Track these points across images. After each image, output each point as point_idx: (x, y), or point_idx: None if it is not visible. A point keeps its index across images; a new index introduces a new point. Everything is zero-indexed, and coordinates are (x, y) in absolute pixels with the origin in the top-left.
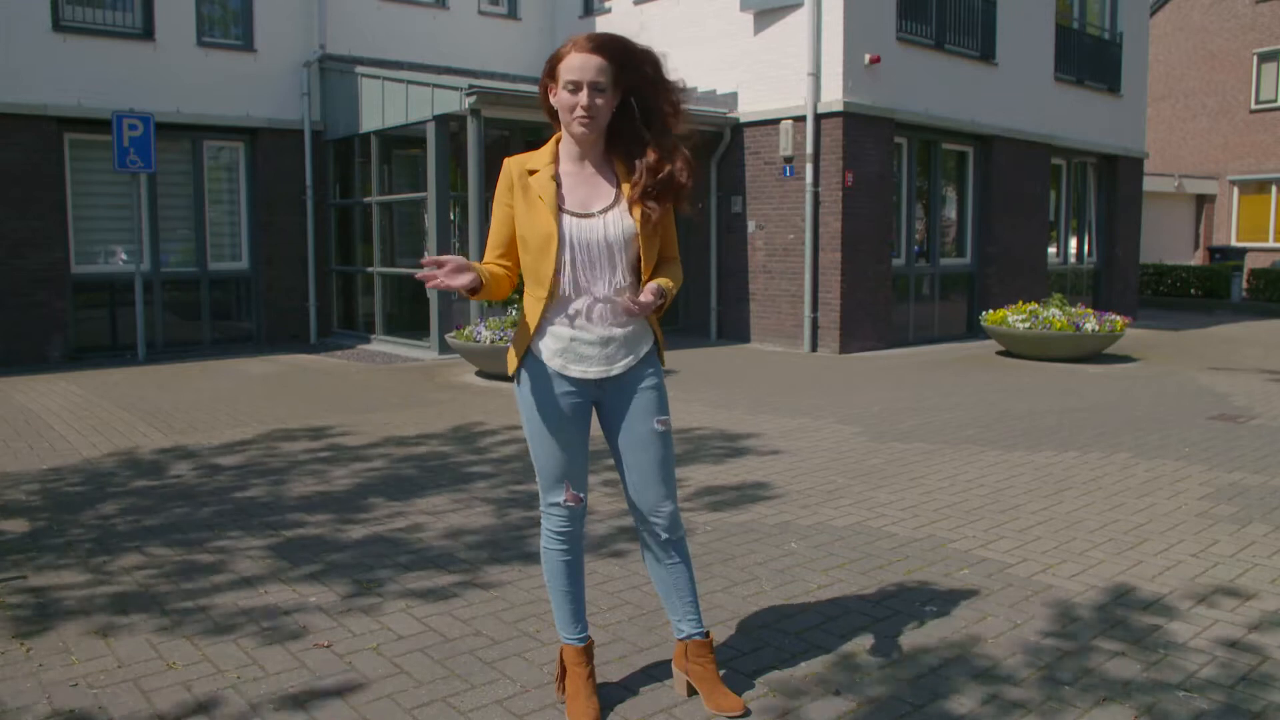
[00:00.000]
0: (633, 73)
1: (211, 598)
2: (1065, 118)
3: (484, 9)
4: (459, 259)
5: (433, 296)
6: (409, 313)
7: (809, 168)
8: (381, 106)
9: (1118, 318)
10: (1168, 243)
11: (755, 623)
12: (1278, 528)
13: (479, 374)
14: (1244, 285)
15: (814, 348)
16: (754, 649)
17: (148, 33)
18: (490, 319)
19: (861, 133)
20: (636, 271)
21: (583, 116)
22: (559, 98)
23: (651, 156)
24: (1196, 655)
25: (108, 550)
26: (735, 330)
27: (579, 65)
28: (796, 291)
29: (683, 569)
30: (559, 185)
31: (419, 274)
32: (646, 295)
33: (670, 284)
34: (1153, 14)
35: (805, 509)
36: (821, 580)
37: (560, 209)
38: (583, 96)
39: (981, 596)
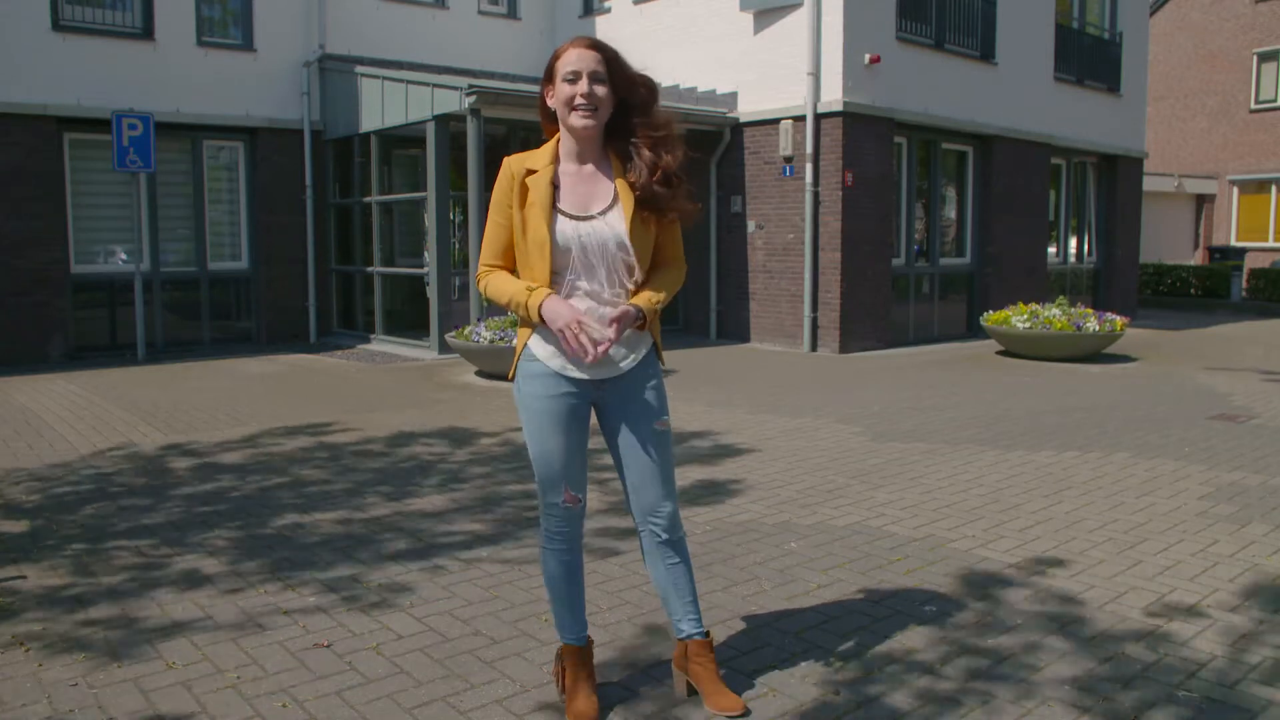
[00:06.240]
0: (624, 90)
1: (210, 597)
2: (1065, 117)
3: (484, 9)
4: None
5: (432, 296)
6: (409, 312)
7: (809, 167)
8: (381, 106)
9: (1117, 318)
10: (1168, 242)
11: (755, 623)
12: (1277, 527)
13: (479, 374)
14: (1244, 285)
15: (814, 347)
16: (754, 649)
17: (147, 32)
18: (490, 319)
19: (861, 132)
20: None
21: (584, 105)
22: (558, 92)
23: (644, 168)
24: (1196, 655)
25: (106, 549)
26: (735, 330)
27: (576, 57)
28: (796, 291)
29: (682, 569)
30: (556, 187)
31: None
32: (611, 325)
33: (659, 298)
34: (1153, 14)
35: (805, 509)
36: (821, 580)
37: (557, 211)
38: (582, 85)
39: (981, 596)
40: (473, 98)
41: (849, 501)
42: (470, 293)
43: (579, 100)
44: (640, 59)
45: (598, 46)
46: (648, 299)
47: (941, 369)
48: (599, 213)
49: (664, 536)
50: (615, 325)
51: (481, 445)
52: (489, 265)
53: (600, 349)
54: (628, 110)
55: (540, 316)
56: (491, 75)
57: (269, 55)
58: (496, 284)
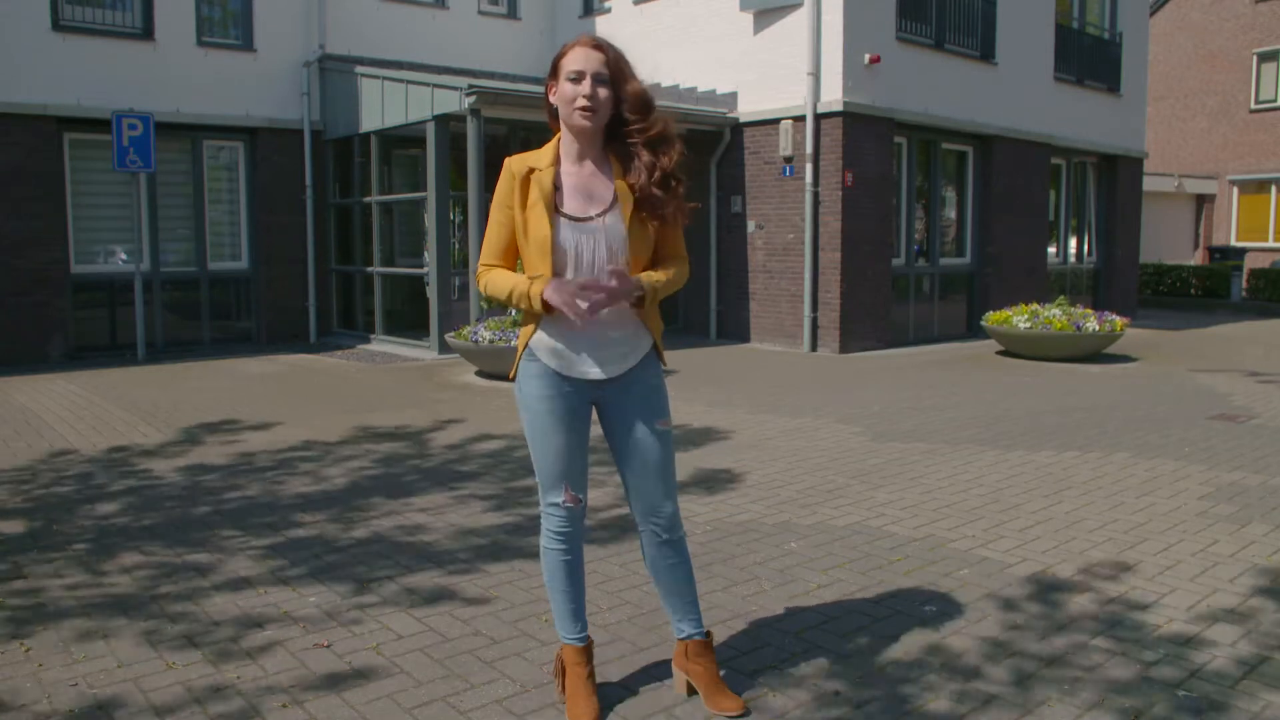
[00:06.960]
0: (624, 93)
1: (210, 597)
2: (1065, 117)
3: (484, 9)
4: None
5: (432, 296)
6: (409, 313)
7: (809, 167)
8: (381, 106)
9: (1117, 318)
10: (1168, 242)
11: (755, 623)
12: (1277, 527)
13: (479, 374)
14: (1244, 285)
15: (814, 347)
16: (754, 649)
17: (147, 32)
18: (490, 319)
19: (861, 132)
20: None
21: (584, 105)
22: (561, 90)
23: (643, 170)
24: (1196, 655)
25: (106, 550)
26: (735, 330)
27: (582, 57)
28: (796, 291)
29: (683, 569)
30: (558, 188)
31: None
32: (621, 281)
33: (661, 278)
34: (1153, 14)
35: (805, 509)
36: (821, 580)
37: (558, 211)
38: (585, 85)
39: (981, 596)
40: (473, 98)
41: (849, 501)
42: (470, 293)
43: (580, 101)
44: (640, 59)
45: (603, 47)
46: (649, 275)
47: (941, 369)
48: (598, 214)
49: (664, 536)
50: (614, 276)
51: (481, 445)
52: (487, 264)
53: (592, 303)
54: (627, 112)
55: (544, 304)
56: (491, 75)
57: (269, 55)
58: (496, 280)
